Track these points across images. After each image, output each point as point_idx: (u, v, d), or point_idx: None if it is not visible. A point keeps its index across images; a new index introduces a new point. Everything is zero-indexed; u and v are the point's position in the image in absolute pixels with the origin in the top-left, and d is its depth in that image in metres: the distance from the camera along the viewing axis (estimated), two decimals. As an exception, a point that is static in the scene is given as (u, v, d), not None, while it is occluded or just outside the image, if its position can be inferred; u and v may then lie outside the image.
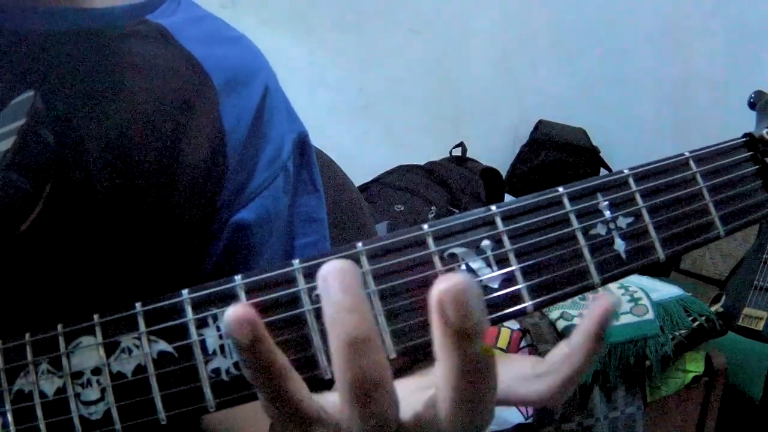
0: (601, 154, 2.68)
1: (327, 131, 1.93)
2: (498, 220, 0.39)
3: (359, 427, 0.36)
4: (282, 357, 0.36)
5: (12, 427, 0.41)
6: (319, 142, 0.75)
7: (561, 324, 1.70)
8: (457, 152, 2.49)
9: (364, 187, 2.25)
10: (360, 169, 2.09)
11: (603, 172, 2.68)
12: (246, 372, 0.36)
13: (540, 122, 2.69)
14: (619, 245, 0.40)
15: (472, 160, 2.42)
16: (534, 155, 2.63)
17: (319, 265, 0.37)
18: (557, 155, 2.62)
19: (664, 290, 1.86)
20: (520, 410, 1.63)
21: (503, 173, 2.52)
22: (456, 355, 0.34)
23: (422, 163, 2.37)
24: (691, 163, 0.42)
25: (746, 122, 0.51)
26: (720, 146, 0.44)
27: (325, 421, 0.37)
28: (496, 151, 2.63)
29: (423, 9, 2.47)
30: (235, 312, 0.35)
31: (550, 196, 0.40)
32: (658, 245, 0.40)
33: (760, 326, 1.95)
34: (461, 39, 2.56)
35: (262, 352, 0.35)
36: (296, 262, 0.39)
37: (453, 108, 2.58)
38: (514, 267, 0.39)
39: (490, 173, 2.29)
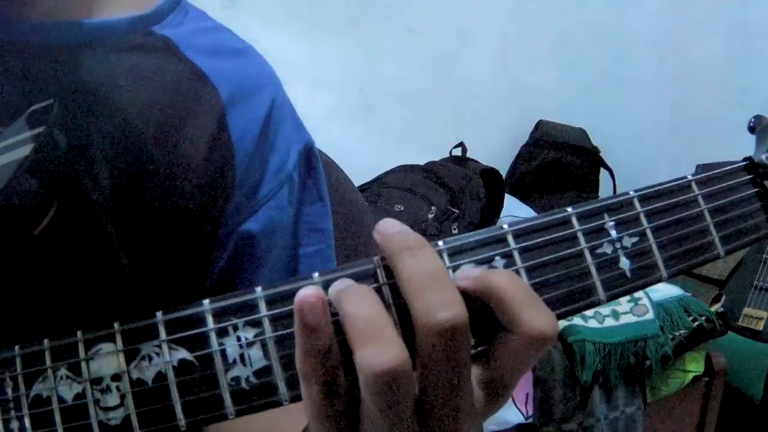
0: (600, 154, 2.68)
1: (327, 131, 1.93)
2: (510, 238, 0.41)
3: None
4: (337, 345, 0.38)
5: (29, 432, 0.42)
6: (319, 142, 0.76)
7: (561, 324, 1.70)
8: (457, 152, 2.49)
9: (364, 187, 2.25)
10: (360, 169, 2.08)
11: (603, 172, 2.68)
12: (305, 362, 0.37)
13: (540, 122, 2.69)
14: (625, 264, 0.42)
15: (472, 160, 2.42)
16: (534, 155, 2.64)
17: (337, 278, 0.38)
18: (557, 155, 2.62)
19: (664, 290, 1.86)
20: (520, 410, 1.64)
21: (503, 173, 2.52)
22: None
23: (422, 163, 2.37)
24: (694, 185, 0.44)
25: (745, 123, 0.52)
26: (721, 170, 0.46)
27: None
28: (496, 151, 2.63)
29: (423, 9, 2.46)
30: (308, 292, 0.37)
31: (560, 215, 0.42)
32: (661, 264, 0.43)
33: (760, 326, 1.95)
34: (461, 39, 2.56)
35: (327, 334, 0.37)
36: (316, 274, 0.40)
37: (453, 108, 2.58)
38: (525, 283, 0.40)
39: (490, 173, 2.29)
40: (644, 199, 0.43)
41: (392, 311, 0.39)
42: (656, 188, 0.44)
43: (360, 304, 0.37)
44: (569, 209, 0.42)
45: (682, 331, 1.76)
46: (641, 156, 2.68)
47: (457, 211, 2.13)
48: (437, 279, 0.37)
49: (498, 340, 0.39)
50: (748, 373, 1.93)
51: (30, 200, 0.52)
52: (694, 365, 1.82)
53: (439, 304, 0.36)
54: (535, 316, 0.37)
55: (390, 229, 0.39)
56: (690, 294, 1.88)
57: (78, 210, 0.55)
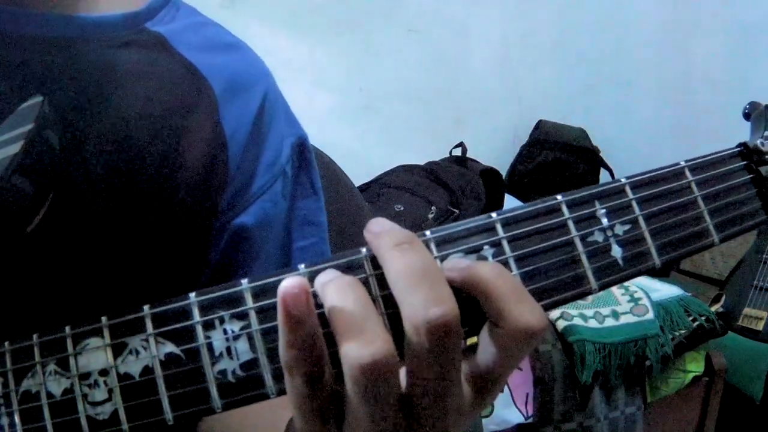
0: (601, 154, 2.69)
1: (327, 131, 1.94)
2: (498, 227, 0.40)
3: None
4: (321, 337, 0.38)
5: (19, 428, 0.41)
6: (319, 142, 0.76)
7: (561, 324, 1.70)
8: (457, 152, 2.49)
9: (364, 187, 2.25)
10: (360, 169, 2.09)
11: (603, 172, 2.68)
12: (289, 353, 0.37)
13: (540, 122, 2.70)
14: (616, 252, 0.41)
15: (472, 160, 2.43)
16: (534, 155, 2.64)
17: (323, 270, 0.38)
18: (557, 155, 2.62)
19: (664, 290, 1.86)
20: (520, 410, 1.64)
21: (503, 173, 2.52)
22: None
23: (422, 163, 2.38)
24: (687, 172, 0.43)
25: (745, 123, 0.51)
26: (715, 155, 0.45)
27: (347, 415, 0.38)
28: (496, 151, 2.63)
29: (423, 9, 2.47)
30: (291, 283, 0.36)
31: (550, 203, 0.41)
32: (653, 252, 0.42)
33: (760, 326, 1.95)
34: (461, 39, 2.57)
35: (311, 326, 0.37)
36: (302, 266, 0.39)
37: (453, 108, 2.58)
38: (514, 272, 0.40)
39: (490, 173, 2.29)
40: (636, 186, 0.42)
41: (379, 304, 0.39)
42: (648, 175, 0.43)
43: (345, 296, 0.37)
44: (559, 197, 0.41)
45: (682, 331, 1.76)
46: (641, 156, 2.68)
47: (457, 211, 2.12)
48: (428, 275, 0.37)
49: (485, 335, 0.38)
50: (748, 373, 1.92)
51: (21, 197, 0.52)
52: (694, 365, 1.81)
53: (429, 300, 0.36)
54: (522, 310, 0.36)
55: (379, 227, 0.39)
56: (690, 294, 1.87)
57: (71, 206, 0.55)
